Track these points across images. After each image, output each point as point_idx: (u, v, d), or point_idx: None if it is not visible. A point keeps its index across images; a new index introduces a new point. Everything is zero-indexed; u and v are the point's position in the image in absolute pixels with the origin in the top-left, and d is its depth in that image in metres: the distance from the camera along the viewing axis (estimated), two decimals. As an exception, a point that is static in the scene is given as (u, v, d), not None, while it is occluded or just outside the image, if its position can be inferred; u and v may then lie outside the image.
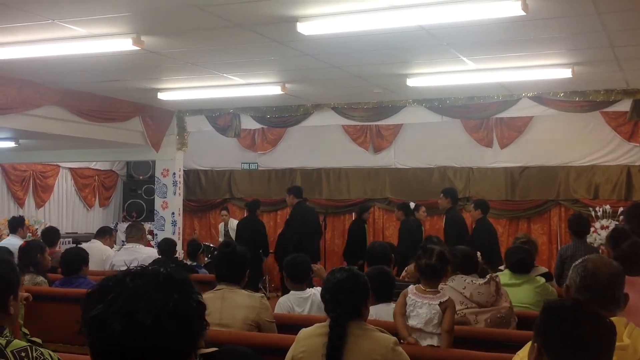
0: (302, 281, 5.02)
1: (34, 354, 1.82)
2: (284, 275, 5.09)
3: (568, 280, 2.80)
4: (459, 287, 4.30)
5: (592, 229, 9.11)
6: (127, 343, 1.34)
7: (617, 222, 9.00)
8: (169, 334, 1.36)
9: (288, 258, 5.19)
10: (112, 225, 12.25)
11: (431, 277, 3.93)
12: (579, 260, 2.83)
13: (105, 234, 7.90)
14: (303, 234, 8.91)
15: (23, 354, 1.81)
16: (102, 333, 1.36)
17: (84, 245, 8.12)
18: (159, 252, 7.13)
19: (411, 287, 3.96)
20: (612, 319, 2.14)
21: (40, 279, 5.80)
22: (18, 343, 1.82)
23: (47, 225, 9.38)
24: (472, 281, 4.34)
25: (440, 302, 3.81)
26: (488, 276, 4.36)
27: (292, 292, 4.95)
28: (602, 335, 2.01)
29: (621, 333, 2.42)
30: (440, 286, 4.00)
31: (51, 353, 1.89)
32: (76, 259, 5.90)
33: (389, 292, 4.38)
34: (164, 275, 1.44)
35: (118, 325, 1.34)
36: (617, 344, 2.08)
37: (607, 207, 9.67)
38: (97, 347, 1.38)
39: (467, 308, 4.26)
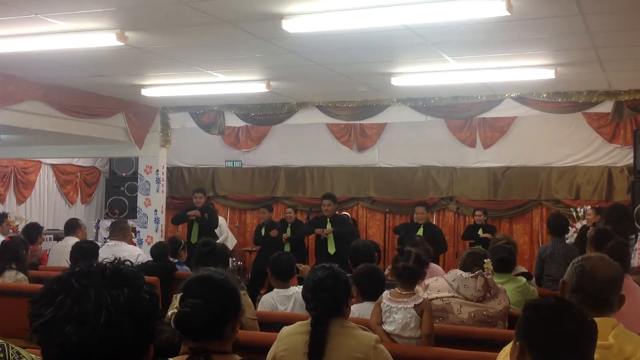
0: (287, 279, 5.01)
1: (11, 352, 1.78)
2: (269, 272, 5.07)
3: (565, 276, 2.74)
4: (450, 278, 4.40)
5: (573, 230, 9.18)
6: (82, 346, 1.30)
7: (597, 222, 9.06)
8: (123, 330, 1.33)
9: (273, 255, 5.18)
10: (94, 222, 12.19)
11: (408, 280, 3.96)
12: (578, 258, 2.76)
13: (75, 228, 7.62)
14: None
15: None
16: (55, 339, 1.31)
17: (59, 243, 7.99)
18: (152, 257, 6.96)
19: (385, 293, 3.98)
20: (601, 318, 2.14)
21: (21, 275, 5.76)
22: None
23: (28, 222, 9.27)
24: (461, 275, 4.41)
25: (415, 304, 3.83)
26: (477, 271, 4.39)
27: (275, 289, 4.94)
28: (584, 333, 2.02)
29: (607, 333, 2.41)
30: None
31: (22, 351, 1.86)
32: (88, 253, 5.81)
33: (379, 289, 4.26)
34: (110, 270, 1.39)
35: (70, 329, 1.29)
36: (601, 342, 2.09)
37: (589, 207, 9.74)
38: (51, 353, 1.33)
39: (454, 297, 4.31)
